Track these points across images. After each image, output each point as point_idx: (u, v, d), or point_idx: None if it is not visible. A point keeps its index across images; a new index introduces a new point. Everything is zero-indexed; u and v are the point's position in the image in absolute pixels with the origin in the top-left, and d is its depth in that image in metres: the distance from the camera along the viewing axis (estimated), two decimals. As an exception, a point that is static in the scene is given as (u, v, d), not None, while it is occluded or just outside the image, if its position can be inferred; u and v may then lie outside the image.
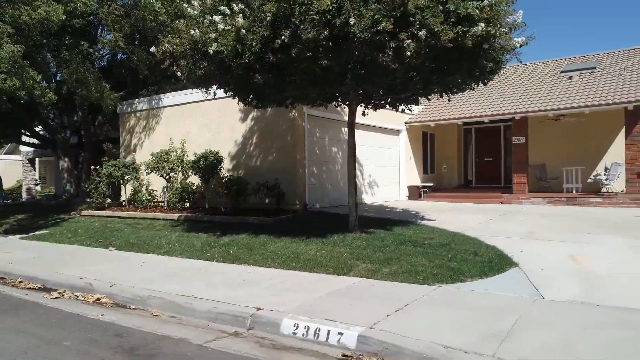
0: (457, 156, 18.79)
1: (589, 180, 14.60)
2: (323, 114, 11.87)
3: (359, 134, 13.92)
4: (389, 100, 8.73)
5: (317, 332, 4.28)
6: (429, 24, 5.58)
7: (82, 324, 4.85)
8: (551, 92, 15.36)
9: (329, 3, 5.52)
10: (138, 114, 14.90)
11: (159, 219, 11.65)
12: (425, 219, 10.35)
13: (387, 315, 4.49)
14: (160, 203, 13.41)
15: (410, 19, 5.66)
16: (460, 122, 16.17)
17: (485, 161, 18.33)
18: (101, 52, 14.59)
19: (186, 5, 7.39)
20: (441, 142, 18.71)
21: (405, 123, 16.36)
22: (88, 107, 16.25)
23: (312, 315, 4.56)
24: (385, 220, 9.83)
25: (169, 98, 14.08)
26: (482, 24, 5.81)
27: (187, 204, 12.65)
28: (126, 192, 13.87)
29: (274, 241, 8.14)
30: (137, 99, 15.05)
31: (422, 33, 5.67)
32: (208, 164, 11.76)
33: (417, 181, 16.91)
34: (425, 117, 16.64)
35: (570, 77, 16.21)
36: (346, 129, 13.14)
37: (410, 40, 5.68)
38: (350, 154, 8.70)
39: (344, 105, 9.39)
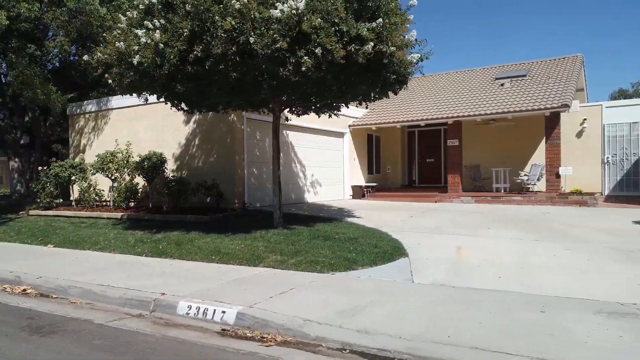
0: (402, 157, 19.77)
1: (518, 181, 15.74)
2: (263, 117, 12.50)
3: (302, 136, 14.85)
4: (312, 107, 9.45)
5: (205, 311, 4.97)
6: (323, 43, 6.34)
7: (0, 310, 5.40)
8: (484, 98, 16.45)
9: (233, 23, 6.23)
10: (87, 116, 15.25)
11: (103, 218, 12.10)
12: (353, 216, 11.16)
13: (270, 297, 5.23)
14: (106, 203, 13.82)
15: (308, 38, 6.41)
16: (399, 125, 17.08)
17: (427, 162, 19.37)
18: (50, 55, 14.83)
19: (122, 17, 7.98)
20: (386, 144, 19.66)
21: (349, 126, 17.21)
22: (40, 108, 16.46)
23: (206, 298, 5.25)
24: (313, 218, 10.58)
25: (116, 100, 14.49)
26: (372, 43, 6.60)
27: (132, 204, 13.12)
28: (74, 192, 14.22)
29: (202, 237, 8.78)
30: (86, 101, 15.40)
31: (318, 50, 6.43)
32: (151, 165, 12.28)
33: (361, 181, 17.78)
34: (368, 120, 17.53)
35: (502, 84, 17.36)
36: (287, 132, 14.00)
37: (307, 57, 6.43)
38: (274, 156, 9.39)
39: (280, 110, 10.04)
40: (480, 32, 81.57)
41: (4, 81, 14.71)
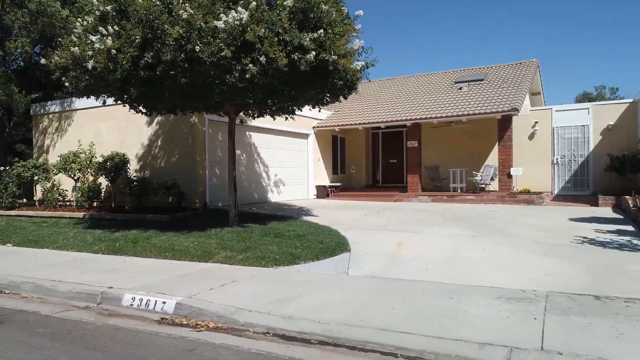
0: (366, 158, 20.32)
1: (473, 181, 16.44)
2: (225, 119, 12.80)
3: (266, 137, 15.22)
4: (267, 110, 9.85)
5: (147, 302, 5.34)
6: (267, 51, 6.76)
7: (-48, 304, 5.65)
8: (443, 101, 17.12)
9: (180, 32, 6.59)
10: (51, 116, 15.32)
11: (65, 218, 12.24)
12: (310, 215, 11.60)
13: (210, 289, 5.62)
14: (70, 203, 13.93)
15: (253, 47, 6.82)
16: (361, 127, 17.62)
17: (391, 163, 19.97)
18: (13, 56, 14.86)
19: (78, 23, 8.22)
20: (351, 145, 20.18)
21: (313, 127, 17.66)
22: (3, 108, 16.43)
23: (150, 291, 5.61)
24: (270, 216, 10.99)
25: (80, 101, 14.58)
26: (314, 52, 7.05)
27: (95, 204, 13.29)
28: (37, 192, 14.29)
29: (158, 235, 9.09)
30: (49, 102, 15.46)
31: (262, 59, 6.84)
32: (114, 165, 12.50)
33: (326, 181, 18.26)
34: (332, 122, 18.03)
35: (460, 88, 18.07)
36: (250, 133, 14.37)
37: (252, 65, 6.84)
38: (230, 157, 9.74)
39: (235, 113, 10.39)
40: (471, 33, 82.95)
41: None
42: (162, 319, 5.00)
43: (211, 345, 4.14)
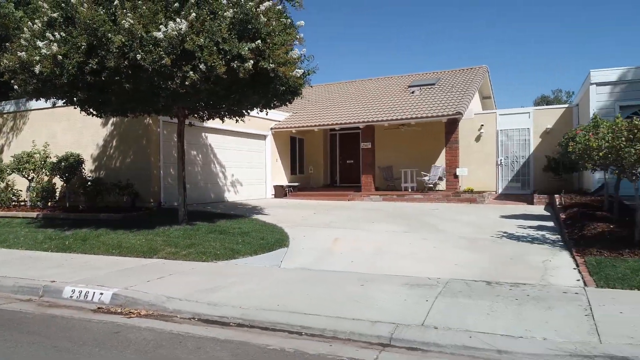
0: (324, 159, 20.93)
1: (423, 181, 17.23)
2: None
3: (223, 138, 15.61)
4: (216, 113, 10.29)
5: (86, 294, 5.74)
6: (206, 60, 7.23)
7: None
8: (396, 104, 17.86)
9: (123, 40, 6.99)
10: (5, 116, 15.31)
11: (18, 217, 12.34)
12: (262, 214, 12.09)
13: (148, 281, 6.06)
14: (24, 203, 14.00)
15: (193, 55, 7.28)
16: (316, 129, 18.21)
17: (348, 163, 20.64)
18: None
19: (26, 28, 8.47)
20: (310, 146, 20.76)
21: (271, 129, 18.15)
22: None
23: (90, 284, 6.00)
24: (221, 215, 11.41)
25: (35, 102, 14.65)
26: (252, 61, 7.55)
27: (50, 204, 13.42)
28: (-10, 192, 14.28)
29: (108, 234, 9.42)
30: (3, 102, 15.44)
31: (202, 66, 7.30)
32: (68, 165, 12.68)
33: (284, 181, 18.76)
34: (289, 123, 18.55)
35: (413, 92, 18.88)
36: (206, 134, 14.74)
37: (192, 72, 7.30)
38: (179, 158, 10.17)
39: (183, 116, 10.76)
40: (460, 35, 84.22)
41: None
42: (99, 308, 5.42)
43: (137, 328, 4.60)
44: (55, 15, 7.82)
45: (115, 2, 7.18)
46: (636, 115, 12.65)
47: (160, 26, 7.01)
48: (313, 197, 17.53)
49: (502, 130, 17.25)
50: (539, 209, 13.02)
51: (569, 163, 12.75)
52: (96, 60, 7.32)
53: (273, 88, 8.73)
